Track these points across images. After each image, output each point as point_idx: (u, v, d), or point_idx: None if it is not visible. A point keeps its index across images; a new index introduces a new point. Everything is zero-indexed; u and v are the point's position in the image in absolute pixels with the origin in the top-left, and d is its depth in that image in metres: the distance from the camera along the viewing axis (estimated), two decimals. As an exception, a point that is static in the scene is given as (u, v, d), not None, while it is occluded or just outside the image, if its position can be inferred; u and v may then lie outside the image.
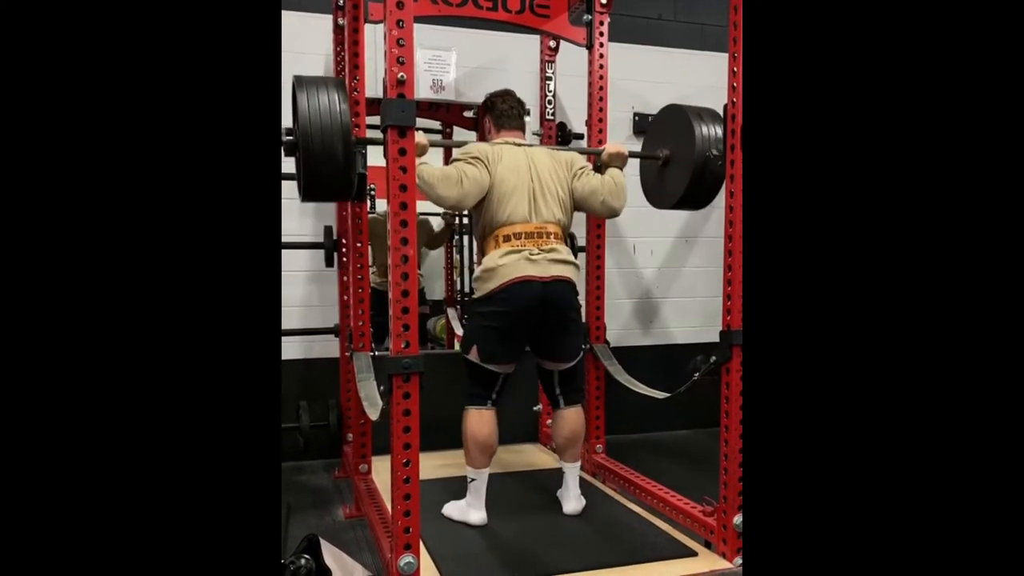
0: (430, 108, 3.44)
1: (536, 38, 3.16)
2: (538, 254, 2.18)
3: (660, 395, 2.48)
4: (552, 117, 3.17)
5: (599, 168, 2.44)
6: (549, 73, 3.14)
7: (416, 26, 1.67)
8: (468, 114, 3.58)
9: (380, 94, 1.87)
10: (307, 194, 1.99)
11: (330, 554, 2.03)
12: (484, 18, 2.86)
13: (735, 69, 1.95)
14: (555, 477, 2.41)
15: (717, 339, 2.05)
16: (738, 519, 1.99)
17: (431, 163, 2.16)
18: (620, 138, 3.62)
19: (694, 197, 2.46)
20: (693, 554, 2.03)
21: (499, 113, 2.41)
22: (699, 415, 3.69)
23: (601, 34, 2.77)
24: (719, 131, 2.37)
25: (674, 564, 1.97)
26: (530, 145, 2.37)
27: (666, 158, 2.54)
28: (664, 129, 2.59)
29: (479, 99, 3.46)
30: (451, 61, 3.36)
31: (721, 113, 2.13)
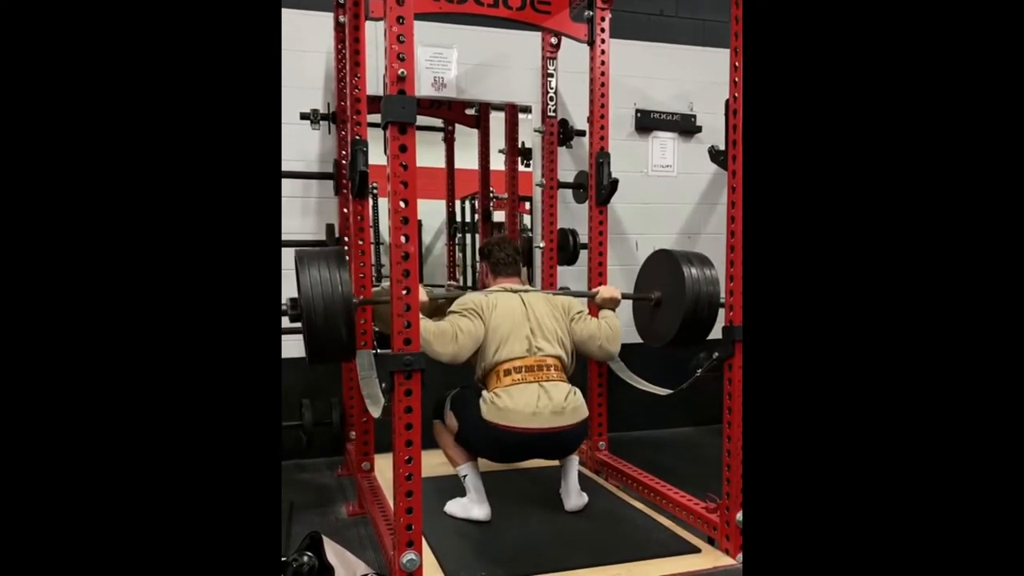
0: (431, 106, 3.44)
1: (537, 35, 3.16)
2: (543, 399, 2.17)
3: (663, 392, 2.48)
4: (554, 114, 3.17)
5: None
6: (550, 70, 3.14)
7: (417, 23, 1.67)
8: (470, 111, 3.58)
9: (381, 91, 1.87)
10: (313, 359, 2.07)
11: (333, 551, 2.03)
12: (485, 15, 2.85)
13: (736, 64, 1.95)
14: (556, 474, 2.41)
15: (720, 335, 2.04)
16: (741, 515, 1.98)
17: (428, 320, 2.22)
18: (622, 134, 3.62)
19: (687, 336, 2.50)
20: (696, 550, 2.03)
21: (496, 261, 2.50)
22: (702, 411, 3.69)
23: (603, 30, 2.76)
24: (708, 272, 2.43)
25: (677, 560, 1.97)
26: (526, 290, 2.44)
27: (658, 300, 2.59)
28: (655, 272, 2.65)
29: (481, 96, 3.48)
30: (452, 58, 3.36)
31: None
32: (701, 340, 2.51)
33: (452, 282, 3.82)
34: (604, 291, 2.56)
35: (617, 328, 2.45)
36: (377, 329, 2.59)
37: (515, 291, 2.40)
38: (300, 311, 1.94)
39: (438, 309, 3.75)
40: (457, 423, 2.29)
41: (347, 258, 2.41)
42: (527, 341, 2.27)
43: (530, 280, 3.44)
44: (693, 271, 2.43)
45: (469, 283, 3.76)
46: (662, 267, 2.58)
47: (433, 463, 2.61)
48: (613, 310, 2.51)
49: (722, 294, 2.19)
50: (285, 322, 2.02)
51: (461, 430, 2.28)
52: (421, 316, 2.11)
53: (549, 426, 2.17)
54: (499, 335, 2.26)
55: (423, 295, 2.08)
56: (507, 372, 2.23)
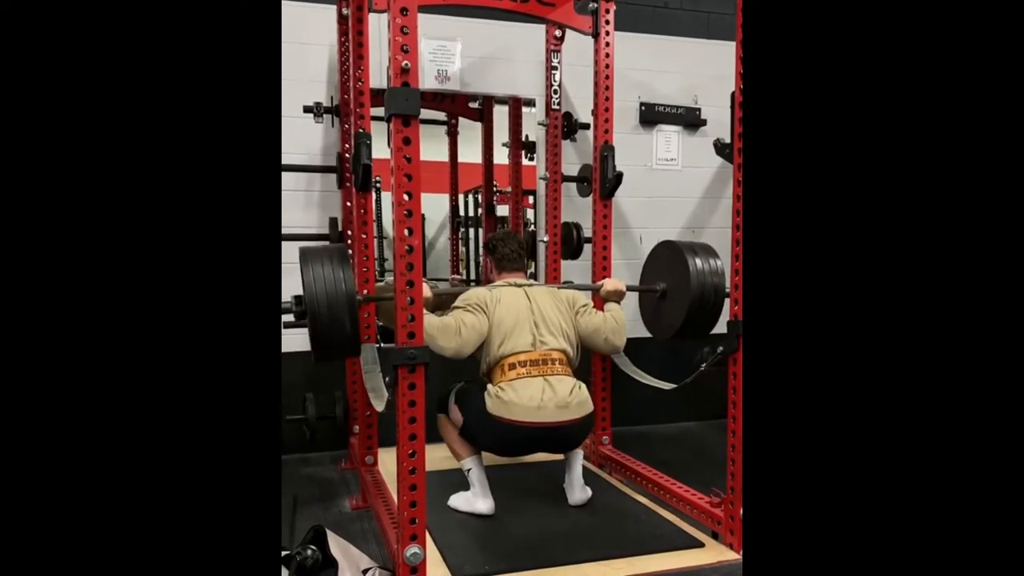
0: (435, 98, 3.43)
1: (541, 27, 3.14)
2: (547, 392, 2.17)
3: (667, 386, 2.48)
4: (558, 107, 3.15)
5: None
6: (555, 62, 3.12)
7: (421, 16, 1.66)
8: (473, 104, 3.57)
9: (384, 84, 1.86)
10: (318, 357, 2.08)
11: (336, 545, 2.03)
12: (489, 7, 2.84)
13: (742, 57, 1.93)
14: (560, 469, 2.41)
15: (724, 330, 2.03)
16: (745, 510, 1.98)
17: (432, 315, 2.22)
18: (626, 127, 3.60)
19: (692, 328, 2.50)
20: (700, 545, 2.03)
21: (500, 256, 2.49)
22: (706, 406, 3.68)
23: (607, 23, 2.74)
24: (713, 263, 2.43)
25: (681, 555, 1.97)
26: (530, 285, 2.43)
27: (663, 291, 2.59)
28: (660, 263, 2.64)
29: (484, 89, 3.47)
30: (456, 51, 3.35)
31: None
32: (707, 331, 2.50)
33: (456, 276, 3.81)
34: (609, 284, 2.56)
35: (622, 321, 2.44)
36: (381, 323, 2.60)
37: (519, 285, 2.40)
38: (305, 309, 1.95)
39: (442, 304, 3.76)
40: (461, 417, 2.29)
41: (350, 254, 2.41)
42: (532, 335, 2.27)
43: (535, 275, 3.44)
44: (698, 262, 2.42)
45: (472, 278, 3.75)
46: (667, 259, 2.58)
47: (437, 457, 2.61)
48: (618, 303, 2.50)
49: (727, 285, 2.18)
50: (290, 319, 2.03)
51: (465, 424, 2.28)
52: (424, 311, 2.12)
53: (554, 420, 2.17)
54: (503, 329, 2.26)
55: (426, 291, 2.07)
56: (512, 366, 2.22)
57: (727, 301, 2.10)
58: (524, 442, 2.24)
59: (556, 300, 2.39)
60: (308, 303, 1.93)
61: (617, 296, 2.52)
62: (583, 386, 2.26)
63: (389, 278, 3.05)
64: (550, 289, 2.47)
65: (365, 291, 2.57)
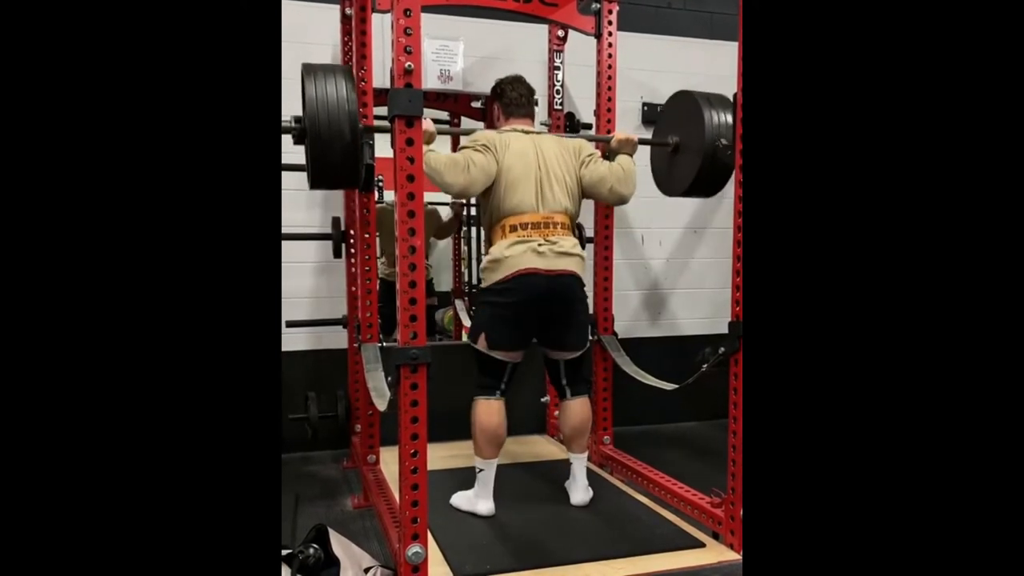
0: (438, 98, 3.43)
1: (544, 27, 3.14)
2: (544, 245, 2.18)
3: (668, 386, 2.47)
4: (560, 107, 3.16)
5: (608, 156, 2.43)
6: (557, 63, 3.13)
7: (424, 16, 1.66)
8: (476, 104, 3.57)
9: (388, 84, 1.86)
10: (315, 181, 2.00)
11: (338, 543, 2.04)
12: (492, 7, 2.84)
13: (742, 56, 1.93)
14: (563, 468, 2.41)
15: (726, 330, 2.04)
16: (746, 510, 1.98)
17: (438, 151, 2.17)
18: (628, 128, 3.60)
19: (704, 184, 2.45)
20: (701, 545, 2.03)
21: (508, 101, 2.40)
22: (707, 407, 3.68)
23: (610, 23, 2.75)
24: (729, 117, 2.35)
25: (682, 555, 1.97)
26: (538, 133, 2.36)
27: (676, 145, 2.52)
28: (674, 116, 2.58)
29: (487, 89, 3.45)
30: (459, 51, 3.35)
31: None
32: (718, 188, 2.45)
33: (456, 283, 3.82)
34: (619, 134, 2.46)
35: (630, 169, 2.34)
36: (382, 271, 2.52)
37: (527, 132, 2.33)
38: (304, 127, 1.86)
39: (445, 228, 3.74)
40: (481, 332, 2.24)
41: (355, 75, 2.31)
42: (536, 192, 2.22)
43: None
44: (714, 114, 2.34)
45: (475, 280, 3.76)
46: (680, 111, 2.50)
47: (439, 456, 2.62)
48: (631, 155, 2.41)
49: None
50: (288, 160, 1.94)
51: (486, 333, 2.23)
52: (432, 149, 2.09)
53: (555, 267, 2.16)
54: (510, 177, 2.21)
55: (427, 125, 1.97)
56: (513, 228, 2.20)
57: (729, 274, 2.04)
58: (530, 296, 2.16)
59: (562, 149, 2.31)
60: (308, 118, 1.84)
61: (629, 146, 2.42)
62: (580, 247, 2.26)
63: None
64: (557, 138, 2.39)
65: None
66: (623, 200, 2.39)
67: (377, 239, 2.75)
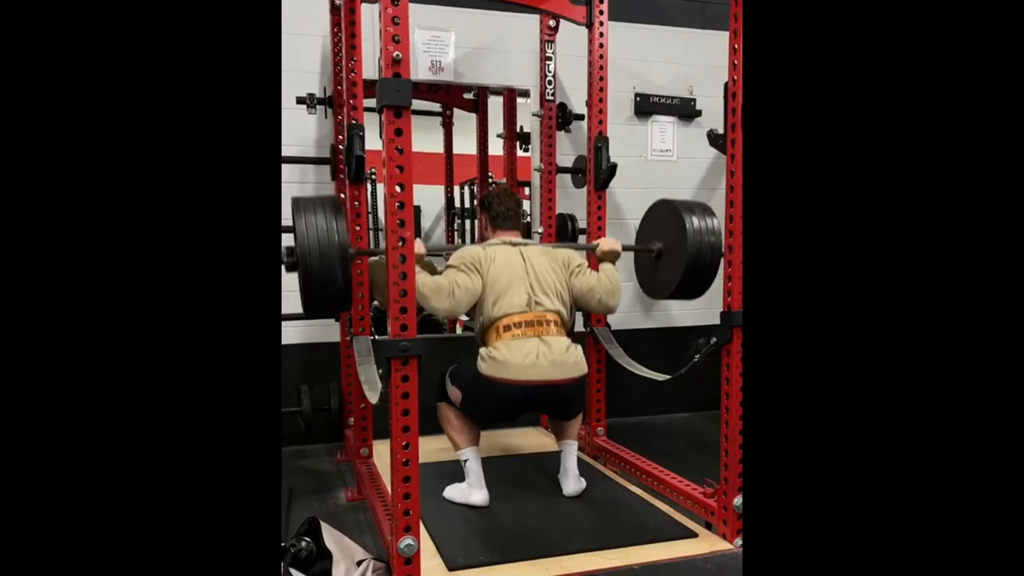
0: (429, 89, 3.41)
1: (535, 17, 3.13)
2: (543, 347, 2.17)
3: (661, 377, 2.48)
4: (552, 98, 3.14)
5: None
6: (549, 53, 3.11)
7: (414, 6, 1.65)
8: (468, 96, 3.56)
9: (377, 75, 1.85)
10: (309, 311, 2.05)
11: (331, 537, 2.03)
12: (483, -3, 2.82)
13: (736, 47, 1.93)
14: (555, 460, 2.41)
15: (718, 321, 2.04)
16: (738, 500, 1.99)
17: (425, 274, 2.22)
18: (621, 118, 3.59)
19: (688, 288, 2.49)
20: (694, 535, 2.04)
21: (496, 214, 2.46)
22: (700, 397, 3.70)
23: (601, 13, 2.73)
24: (710, 223, 2.41)
25: (675, 545, 1.98)
26: (525, 244, 2.41)
27: (659, 251, 2.57)
28: (657, 223, 2.62)
29: (478, 80, 3.46)
30: (450, 42, 3.33)
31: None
32: (703, 291, 2.50)
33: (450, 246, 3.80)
34: (604, 243, 2.52)
35: (616, 282, 2.41)
36: (375, 304, 2.57)
37: (514, 244, 2.37)
38: (296, 260, 1.90)
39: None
40: (459, 392, 2.28)
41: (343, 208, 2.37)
42: (526, 295, 2.25)
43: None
44: (695, 220, 2.40)
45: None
46: (663, 218, 2.55)
47: (431, 448, 2.62)
48: (613, 263, 2.47)
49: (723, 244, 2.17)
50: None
51: (464, 398, 2.27)
52: (419, 270, 2.13)
53: (549, 378, 2.17)
54: (497, 288, 2.25)
55: (419, 247, 2.04)
56: (507, 328, 2.22)
57: (723, 262, 2.10)
58: (520, 402, 2.21)
59: (551, 260, 2.37)
60: (300, 253, 1.88)
61: (613, 256, 2.48)
62: (578, 347, 2.26)
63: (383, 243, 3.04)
64: (545, 248, 2.44)
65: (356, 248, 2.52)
66: (610, 311, 2.50)
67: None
